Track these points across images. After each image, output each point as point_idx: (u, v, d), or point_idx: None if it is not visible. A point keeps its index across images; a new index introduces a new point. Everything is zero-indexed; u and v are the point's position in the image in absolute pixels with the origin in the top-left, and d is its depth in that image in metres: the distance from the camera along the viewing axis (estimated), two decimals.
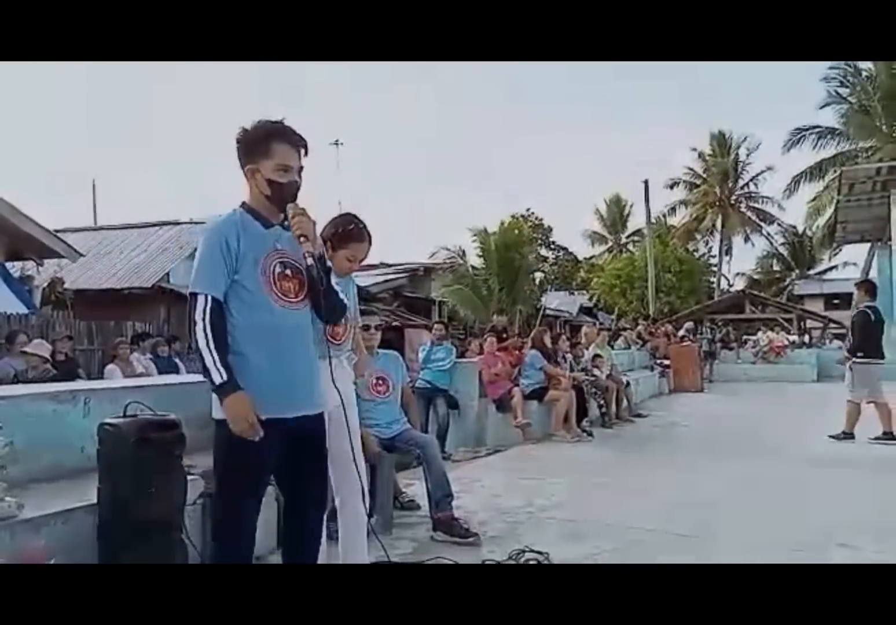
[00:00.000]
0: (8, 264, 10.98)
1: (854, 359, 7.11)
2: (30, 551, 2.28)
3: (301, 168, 2.21)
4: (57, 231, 12.24)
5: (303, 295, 2.23)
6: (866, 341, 7.09)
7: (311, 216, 2.18)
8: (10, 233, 10.42)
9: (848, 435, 7.00)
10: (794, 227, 34.63)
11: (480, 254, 20.18)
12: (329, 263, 2.25)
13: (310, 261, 2.13)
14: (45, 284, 12.13)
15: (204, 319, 2.10)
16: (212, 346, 2.08)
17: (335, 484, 2.75)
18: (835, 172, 21.49)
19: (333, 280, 2.28)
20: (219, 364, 2.07)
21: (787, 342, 18.03)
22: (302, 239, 2.14)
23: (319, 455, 2.34)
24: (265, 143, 2.16)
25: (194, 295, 2.14)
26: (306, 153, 2.23)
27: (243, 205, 2.25)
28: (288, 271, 2.20)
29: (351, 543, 2.84)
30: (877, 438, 6.89)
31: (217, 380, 2.07)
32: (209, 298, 2.12)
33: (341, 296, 2.32)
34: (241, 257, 2.14)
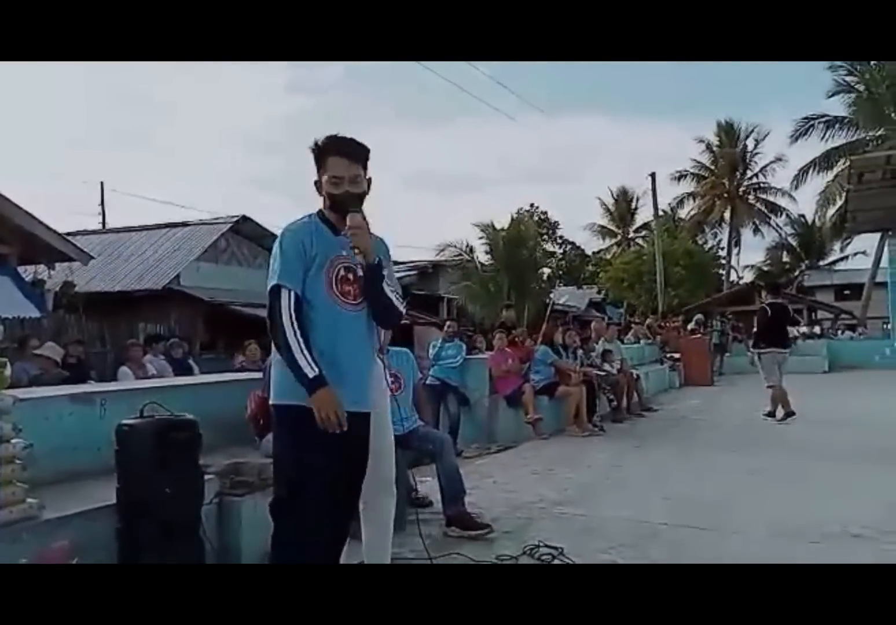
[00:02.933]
0: (20, 268, 11.07)
1: (758, 351, 8.20)
2: (53, 551, 2.32)
3: (357, 176, 2.34)
4: (67, 234, 12.34)
5: (361, 299, 2.35)
6: (766, 333, 8.18)
7: (367, 228, 2.31)
8: (22, 237, 10.50)
9: (790, 414, 7.84)
10: (804, 217, 34.44)
11: (488, 250, 20.21)
12: (384, 273, 2.32)
13: (360, 271, 2.31)
14: (57, 288, 12.24)
15: (290, 314, 2.21)
16: (301, 341, 2.18)
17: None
18: (844, 161, 21.36)
19: (389, 290, 2.36)
20: (309, 358, 2.16)
21: (797, 334, 17.94)
22: (356, 250, 2.29)
23: (364, 453, 2.38)
24: (322, 158, 2.35)
25: (278, 288, 2.24)
26: (363, 161, 2.37)
27: (319, 213, 2.42)
28: (350, 276, 2.33)
29: (375, 543, 2.84)
30: (765, 415, 7.98)
31: (310, 374, 2.15)
32: (292, 293, 2.24)
33: (396, 304, 2.39)
34: (313, 258, 2.30)
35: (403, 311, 2.43)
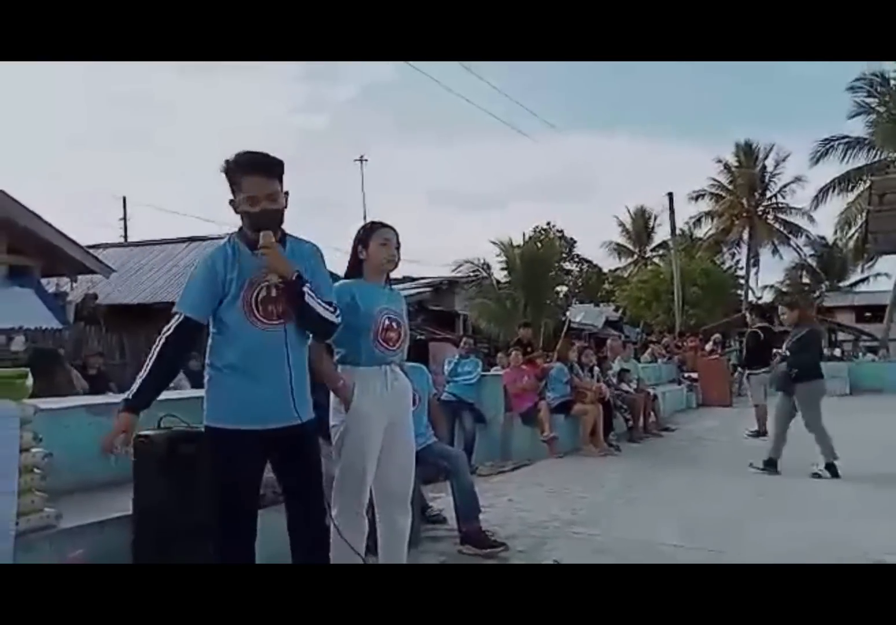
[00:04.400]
0: (43, 280, 11.24)
1: (749, 372, 8.86)
2: (69, 560, 2.34)
3: (274, 192, 2.25)
4: (90, 247, 12.52)
5: (286, 316, 2.28)
6: (757, 356, 8.60)
7: (278, 248, 2.24)
8: (45, 250, 10.67)
9: (763, 433, 8.11)
10: (824, 238, 34.12)
11: (505, 267, 20.18)
12: (304, 288, 2.24)
13: (273, 292, 2.24)
14: (79, 300, 12.40)
15: (165, 334, 2.27)
16: (150, 362, 2.26)
17: (374, 495, 2.77)
18: (864, 182, 21.18)
19: (315, 303, 2.27)
20: (139, 381, 2.24)
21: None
22: (268, 270, 2.23)
23: (304, 464, 2.36)
24: (235, 177, 2.25)
25: (174, 312, 2.30)
26: (278, 176, 2.27)
27: (239, 233, 2.35)
28: (274, 293, 2.26)
29: (389, 557, 2.84)
30: (750, 434, 8.35)
31: (127, 394, 2.25)
32: (181, 316, 2.28)
33: (325, 315, 2.30)
34: (230, 282, 2.25)
35: (336, 321, 2.34)
